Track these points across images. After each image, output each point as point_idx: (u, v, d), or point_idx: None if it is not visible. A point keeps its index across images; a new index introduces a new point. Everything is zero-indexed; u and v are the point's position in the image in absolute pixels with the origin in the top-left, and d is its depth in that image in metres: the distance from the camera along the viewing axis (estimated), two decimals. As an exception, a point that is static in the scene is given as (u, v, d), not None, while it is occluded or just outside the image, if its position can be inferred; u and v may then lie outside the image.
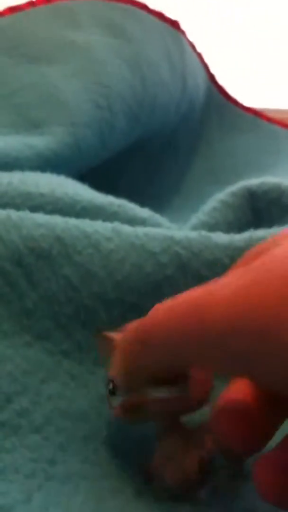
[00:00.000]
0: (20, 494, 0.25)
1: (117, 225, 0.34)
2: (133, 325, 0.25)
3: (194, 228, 0.38)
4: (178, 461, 0.26)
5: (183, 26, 0.63)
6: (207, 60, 0.67)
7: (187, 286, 0.25)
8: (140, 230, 0.33)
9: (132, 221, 0.37)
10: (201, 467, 0.26)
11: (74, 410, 0.29)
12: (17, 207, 0.35)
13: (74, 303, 0.32)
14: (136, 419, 0.26)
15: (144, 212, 0.38)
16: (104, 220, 0.35)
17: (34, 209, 0.36)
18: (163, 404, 0.25)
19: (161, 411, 0.26)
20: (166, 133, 0.62)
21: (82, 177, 0.44)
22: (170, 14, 0.62)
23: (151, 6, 0.61)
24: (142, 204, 0.39)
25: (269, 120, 0.70)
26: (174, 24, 0.62)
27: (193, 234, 0.33)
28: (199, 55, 0.66)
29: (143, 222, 0.37)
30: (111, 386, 0.26)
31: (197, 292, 0.22)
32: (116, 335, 0.27)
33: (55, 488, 0.25)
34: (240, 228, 0.37)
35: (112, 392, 0.26)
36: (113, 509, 0.25)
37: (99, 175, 0.49)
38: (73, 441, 0.28)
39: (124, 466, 0.27)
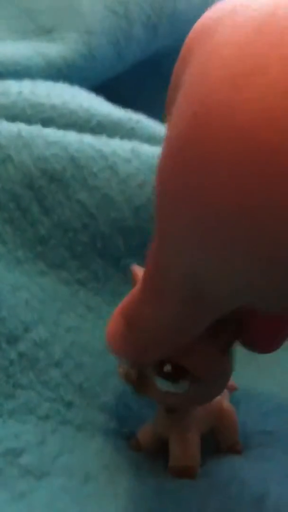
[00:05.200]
0: (33, 437, 0.23)
1: (136, 145, 0.31)
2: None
3: None
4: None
5: None
6: None
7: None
8: None
9: (151, 139, 0.34)
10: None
11: (92, 344, 0.28)
12: (28, 119, 0.33)
13: (89, 231, 0.30)
14: (140, 392, 0.23)
15: (163, 130, 0.35)
16: (121, 137, 0.33)
17: (45, 122, 0.33)
18: (163, 395, 0.23)
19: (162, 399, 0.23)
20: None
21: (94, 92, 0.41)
22: None
23: None
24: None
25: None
26: None
27: None
28: None
29: (163, 140, 0.34)
30: None
31: None
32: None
33: (70, 434, 0.24)
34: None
35: None
36: (129, 465, 0.24)
37: (111, 92, 0.46)
38: (92, 379, 0.27)
39: (143, 417, 0.26)
